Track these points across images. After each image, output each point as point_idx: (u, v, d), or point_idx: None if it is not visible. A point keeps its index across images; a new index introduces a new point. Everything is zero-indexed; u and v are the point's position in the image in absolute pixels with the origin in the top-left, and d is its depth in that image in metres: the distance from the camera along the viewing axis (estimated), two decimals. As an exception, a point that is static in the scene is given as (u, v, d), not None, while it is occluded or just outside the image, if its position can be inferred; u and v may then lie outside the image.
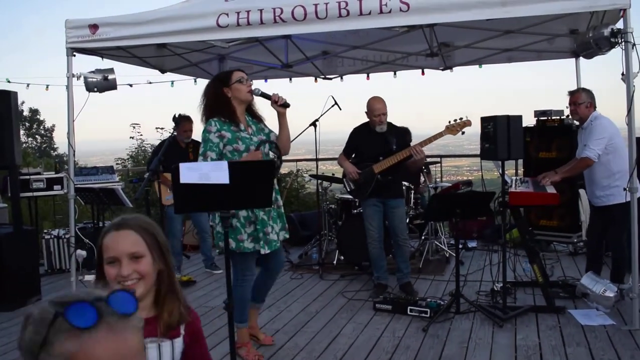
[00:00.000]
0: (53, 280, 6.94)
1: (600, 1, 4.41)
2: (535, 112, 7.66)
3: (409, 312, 5.25)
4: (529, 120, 7.51)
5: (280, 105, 4.32)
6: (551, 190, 5.27)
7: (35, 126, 47.21)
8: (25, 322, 1.15)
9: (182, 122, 6.90)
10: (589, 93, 5.50)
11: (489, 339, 4.65)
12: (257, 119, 4.49)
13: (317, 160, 7.21)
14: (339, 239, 7.04)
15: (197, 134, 7.11)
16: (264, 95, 4.35)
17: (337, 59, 7.93)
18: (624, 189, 4.72)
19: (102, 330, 1.05)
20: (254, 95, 4.37)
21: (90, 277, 6.10)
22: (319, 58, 7.65)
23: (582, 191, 7.24)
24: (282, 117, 4.39)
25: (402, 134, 6.12)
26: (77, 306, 1.06)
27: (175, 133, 6.27)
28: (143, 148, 13.48)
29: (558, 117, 7.43)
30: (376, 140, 5.89)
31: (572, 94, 5.58)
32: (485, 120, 5.14)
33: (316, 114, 6.82)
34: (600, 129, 5.24)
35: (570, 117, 6.42)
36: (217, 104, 4.31)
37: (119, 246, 1.92)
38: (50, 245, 7.33)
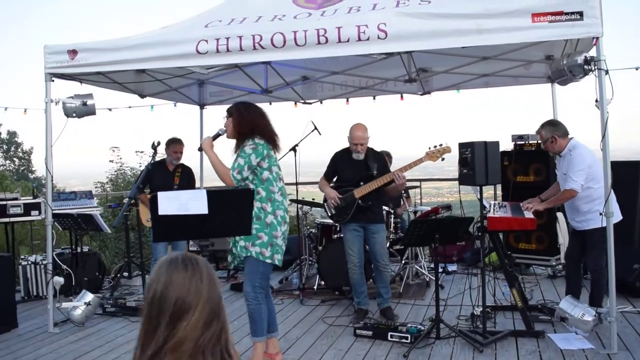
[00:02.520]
0: (30, 307, 6.83)
1: (574, 30, 4.50)
2: (513, 136, 7.76)
3: (389, 338, 5.24)
4: (507, 145, 7.60)
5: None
6: (529, 215, 5.32)
7: (12, 149, 46.74)
8: None
9: (173, 143, 6.89)
10: (550, 127, 5.52)
11: (469, 365, 4.65)
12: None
13: (297, 184, 7.22)
14: (319, 264, 7.02)
15: (186, 158, 7.13)
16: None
17: (317, 84, 7.98)
18: (600, 214, 4.78)
19: None
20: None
21: (67, 304, 6.02)
22: (299, 83, 7.70)
23: (560, 214, 7.33)
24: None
25: (383, 159, 6.15)
26: None
27: (153, 160, 6.25)
28: (122, 171, 13.39)
29: (535, 142, 7.53)
30: (357, 165, 5.92)
31: (537, 134, 5.67)
32: (463, 146, 5.19)
33: (296, 139, 6.84)
34: (580, 159, 5.29)
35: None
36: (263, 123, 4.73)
37: None
38: (27, 271, 7.21)
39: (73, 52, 5.69)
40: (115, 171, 13.34)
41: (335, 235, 7.06)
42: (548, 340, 5.09)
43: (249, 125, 4.57)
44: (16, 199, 7.43)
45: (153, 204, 3.02)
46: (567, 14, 4.49)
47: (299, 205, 7.58)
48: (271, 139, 4.63)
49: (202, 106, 8.76)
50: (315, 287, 7.08)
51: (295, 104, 8.61)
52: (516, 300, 5.40)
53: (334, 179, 6.17)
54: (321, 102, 8.66)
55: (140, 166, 12.04)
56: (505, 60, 6.48)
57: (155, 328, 1.57)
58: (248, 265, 4.49)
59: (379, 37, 4.79)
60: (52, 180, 5.98)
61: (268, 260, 4.47)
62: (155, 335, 1.57)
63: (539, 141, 7.42)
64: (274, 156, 4.64)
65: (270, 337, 4.75)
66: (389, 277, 6.18)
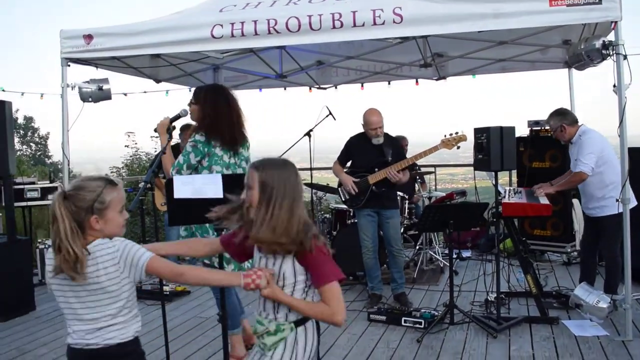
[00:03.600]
0: (47, 291, 6.91)
1: (592, 14, 4.45)
2: (529, 122, 7.69)
3: (403, 323, 5.25)
4: (522, 130, 7.54)
5: None
6: (544, 201, 5.29)
7: (29, 134, 47.18)
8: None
9: (188, 129, 6.91)
10: (558, 116, 5.50)
11: (483, 350, 4.65)
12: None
13: (311, 169, 7.22)
14: (333, 249, 7.00)
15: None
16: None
17: (332, 69, 7.96)
18: (617, 200, 4.74)
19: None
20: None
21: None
22: (313, 68, 7.68)
23: (575, 201, 7.29)
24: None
25: (398, 145, 6.13)
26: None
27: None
28: (138, 156, 13.47)
29: (551, 127, 7.45)
30: (371, 151, 5.90)
31: (546, 124, 5.62)
32: (478, 131, 5.16)
33: (310, 124, 6.85)
34: (590, 143, 5.26)
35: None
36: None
37: None
38: (44, 255, 7.30)
39: (89, 37, 5.70)
40: (131, 156, 13.44)
41: (350, 221, 7.06)
42: (562, 327, 5.09)
43: (204, 118, 4.40)
44: (33, 183, 7.51)
45: (168, 188, 3.04)
46: (585, -3, 4.43)
47: (313, 191, 7.59)
48: (226, 135, 4.38)
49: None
50: (329, 272, 7.08)
51: (310, 89, 8.59)
52: (530, 287, 5.39)
53: (349, 164, 6.16)
54: (336, 87, 8.64)
55: (155, 151, 12.11)
56: (521, 45, 6.42)
57: None
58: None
59: (394, 21, 4.75)
60: (68, 164, 6.03)
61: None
62: None
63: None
64: (218, 154, 4.37)
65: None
66: (403, 263, 6.18)
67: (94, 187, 2.27)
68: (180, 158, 4.31)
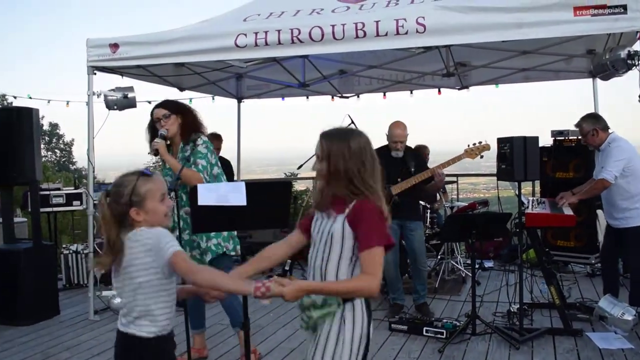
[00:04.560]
0: (71, 295, 7.00)
1: (618, 24, 4.43)
2: (552, 131, 7.63)
3: (424, 333, 5.23)
4: (546, 140, 7.48)
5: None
6: (568, 211, 5.24)
7: (54, 140, 47.81)
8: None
9: (212, 139, 6.96)
10: (592, 120, 5.40)
11: (505, 361, 4.62)
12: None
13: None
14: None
15: (224, 151, 7.20)
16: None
17: (354, 78, 7.99)
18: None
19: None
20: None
21: (107, 293, 6.15)
22: (336, 77, 7.71)
23: (600, 212, 7.19)
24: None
25: (420, 157, 6.12)
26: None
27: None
28: (160, 163, 13.60)
29: (575, 137, 7.39)
30: (395, 162, 5.89)
31: (577, 127, 5.54)
32: (501, 141, 5.14)
33: (332, 133, 6.84)
34: (618, 151, 5.19)
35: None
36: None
37: None
38: (68, 260, 7.39)
39: (114, 46, 5.80)
40: (154, 163, 13.57)
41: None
42: (586, 339, 5.02)
43: (197, 124, 4.56)
44: (59, 189, 7.60)
45: (192, 195, 3.07)
46: (610, 7, 4.42)
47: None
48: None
49: (239, 99, 8.84)
50: (350, 281, 7.06)
51: (332, 97, 8.63)
52: (554, 298, 5.33)
53: None
54: (358, 96, 8.67)
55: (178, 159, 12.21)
56: (545, 55, 6.40)
57: None
58: (224, 261, 4.46)
59: (417, 31, 4.78)
60: (93, 171, 6.11)
61: (232, 253, 4.54)
62: None
63: (579, 137, 7.34)
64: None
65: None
66: (426, 275, 6.15)
67: (128, 182, 2.37)
68: (202, 161, 4.43)
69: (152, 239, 2.34)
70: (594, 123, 5.37)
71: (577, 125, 5.53)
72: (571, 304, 5.80)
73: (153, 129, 4.61)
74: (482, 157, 5.71)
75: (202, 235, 4.37)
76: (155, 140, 4.49)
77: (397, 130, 5.85)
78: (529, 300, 5.94)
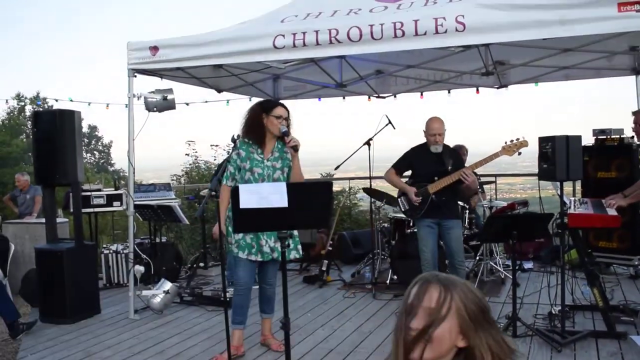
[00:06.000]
0: (111, 295, 7.11)
1: (662, 19, 4.31)
2: (594, 130, 7.49)
3: (463, 334, 5.17)
4: (588, 139, 7.34)
5: (290, 146, 4.70)
6: (612, 212, 5.13)
7: (93, 142, 48.69)
8: None
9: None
10: None
11: (547, 364, 4.55)
12: (289, 147, 4.76)
13: (370, 178, 7.21)
14: (392, 258, 7.00)
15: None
16: (285, 134, 4.70)
17: (391, 78, 7.95)
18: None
19: None
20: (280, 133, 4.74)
21: (147, 292, 6.24)
22: (373, 77, 7.69)
23: (643, 212, 7.04)
24: (293, 158, 4.80)
25: (458, 156, 6.07)
26: None
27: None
28: (197, 165, 13.72)
29: (617, 136, 7.25)
30: (432, 160, 5.85)
31: (635, 114, 5.43)
32: (543, 140, 5.06)
33: (369, 133, 6.84)
34: None
35: (634, 137, 6.26)
36: (252, 126, 4.81)
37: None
38: (109, 259, 7.52)
39: (154, 49, 5.88)
40: (190, 164, 13.68)
41: (409, 230, 7.02)
42: (631, 342, 4.91)
43: None
44: (99, 190, 7.74)
45: (234, 197, 3.09)
46: (655, 2, 4.30)
47: (372, 200, 7.57)
48: None
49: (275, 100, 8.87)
50: (387, 282, 7.06)
51: (369, 98, 8.61)
52: (597, 300, 5.22)
53: (410, 173, 6.11)
54: (395, 96, 8.63)
55: (215, 159, 12.32)
56: (586, 52, 6.28)
57: None
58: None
59: (456, 30, 4.73)
60: (134, 173, 6.20)
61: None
62: None
63: (622, 136, 7.20)
64: None
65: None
66: (464, 275, 6.09)
67: None
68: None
69: None
70: None
71: (636, 111, 5.43)
72: (614, 306, 5.67)
73: (258, 123, 4.79)
74: (519, 154, 5.62)
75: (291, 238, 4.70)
76: (293, 136, 4.73)
77: (434, 124, 5.80)
78: (571, 302, 5.84)
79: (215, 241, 4.38)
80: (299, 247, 4.92)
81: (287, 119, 4.78)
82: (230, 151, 4.71)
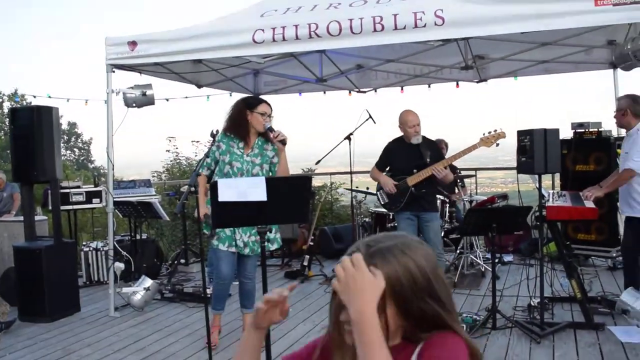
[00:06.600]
0: (91, 292, 7.05)
1: (639, 13, 4.35)
2: (572, 124, 7.55)
3: (444, 327, 5.20)
4: (566, 133, 7.41)
5: (278, 140, 4.74)
6: (589, 204, 5.19)
7: (73, 139, 48.21)
8: None
9: None
10: (630, 100, 5.29)
11: (526, 356, 4.58)
12: (277, 142, 4.80)
13: (351, 173, 7.23)
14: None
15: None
16: (270, 130, 4.77)
17: (371, 72, 7.95)
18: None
19: None
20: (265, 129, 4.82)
21: (127, 289, 6.20)
22: (353, 72, 7.68)
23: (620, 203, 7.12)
24: (280, 152, 4.85)
25: (436, 147, 6.09)
26: None
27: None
28: (178, 161, 13.63)
29: (595, 130, 7.32)
30: (410, 153, 5.87)
31: (617, 100, 5.49)
32: (522, 134, 5.09)
33: (350, 127, 6.85)
34: None
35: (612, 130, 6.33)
36: (236, 122, 4.86)
37: None
38: (88, 257, 7.45)
39: (133, 44, 5.83)
40: (171, 160, 13.59)
41: (390, 224, 7.04)
42: (608, 333, 4.97)
43: None
44: (79, 187, 7.67)
45: (213, 191, 3.07)
46: (632, -4, 4.35)
47: (353, 194, 7.58)
48: None
49: (256, 95, 8.84)
50: (368, 276, 7.06)
51: (350, 92, 8.60)
52: (575, 292, 5.28)
53: (387, 169, 6.13)
54: (375, 91, 8.63)
55: (195, 156, 12.26)
56: (565, 46, 6.33)
57: None
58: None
59: (435, 24, 4.74)
60: (113, 169, 6.15)
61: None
62: None
63: (600, 129, 7.27)
64: None
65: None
66: (444, 267, 6.13)
67: None
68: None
69: None
70: (629, 104, 5.31)
71: (617, 98, 5.48)
72: (592, 298, 5.74)
73: (242, 119, 4.85)
74: (497, 145, 5.66)
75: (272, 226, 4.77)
76: (280, 131, 4.76)
77: (410, 116, 5.81)
78: (550, 294, 5.90)
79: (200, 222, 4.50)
80: (279, 237, 4.99)
81: (270, 115, 4.85)
82: (210, 145, 4.71)
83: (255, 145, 4.88)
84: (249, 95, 5.26)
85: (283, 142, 4.75)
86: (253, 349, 1.78)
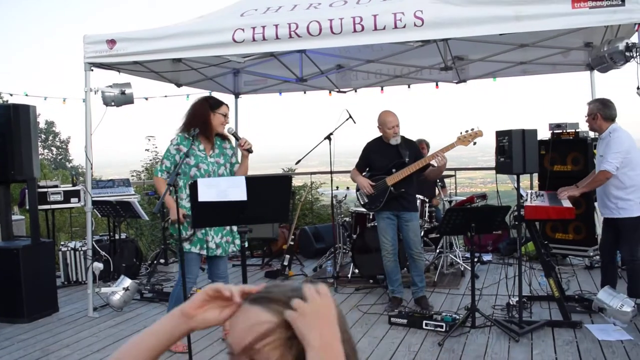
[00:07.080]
0: (70, 293, 6.99)
1: (616, 15, 4.42)
2: (550, 125, 7.63)
3: (424, 327, 5.24)
4: (544, 134, 7.48)
5: (245, 149, 4.81)
6: (567, 204, 5.25)
7: (50, 138, 47.72)
8: None
9: None
10: (599, 104, 5.40)
11: (505, 354, 4.62)
12: (244, 150, 4.87)
13: (331, 172, 7.23)
14: (353, 252, 7.04)
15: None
16: (236, 136, 4.88)
17: (352, 72, 7.98)
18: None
19: None
20: (229, 133, 4.96)
21: (106, 290, 6.15)
22: (333, 72, 7.69)
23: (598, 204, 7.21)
24: (244, 158, 4.94)
25: (415, 146, 6.12)
26: None
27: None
28: (157, 160, 13.55)
29: (573, 130, 7.40)
30: (389, 152, 5.89)
31: (587, 104, 5.57)
32: (500, 134, 5.14)
33: (330, 127, 6.85)
34: (618, 142, 5.21)
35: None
36: (199, 121, 4.80)
37: None
38: (67, 257, 7.38)
39: (112, 42, 5.78)
40: (151, 160, 13.52)
41: (370, 224, 7.06)
42: (585, 331, 5.04)
43: None
44: (56, 186, 7.59)
45: (193, 191, 3.06)
46: (608, -1, 4.41)
47: (334, 194, 7.59)
48: None
49: (237, 95, 8.83)
50: (349, 276, 7.10)
51: (330, 92, 8.62)
52: (553, 290, 5.34)
53: (367, 169, 6.14)
54: (355, 91, 8.66)
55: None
56: (543, 48, 6.39)
57: None
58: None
59: (415, 25, 4.77)
60: (91, 168, 6.09)
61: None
62: None
63: (577, 130, 7.35)
64: None
65: None
66: (423, 266, 6.16)
67: None
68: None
69: None
70: (599, 108, 5.39)
71: (587, 102, 5.57)
72: (570, 297, 5.82)
73: (205, 119, 4.83)
74: (475, 143, 5.69)
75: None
76: (245, 138, 4.84)
77: (390, 117, 5.83)
78: (528, 293, 5.96)
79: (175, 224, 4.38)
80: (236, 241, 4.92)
81: (227, 116, 4.95)
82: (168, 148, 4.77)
83: (216, 146, 4.92)
84: (209, 96, 5.25)
85: (249, 151, 4.81)
86: (158, 341, 1.31)
